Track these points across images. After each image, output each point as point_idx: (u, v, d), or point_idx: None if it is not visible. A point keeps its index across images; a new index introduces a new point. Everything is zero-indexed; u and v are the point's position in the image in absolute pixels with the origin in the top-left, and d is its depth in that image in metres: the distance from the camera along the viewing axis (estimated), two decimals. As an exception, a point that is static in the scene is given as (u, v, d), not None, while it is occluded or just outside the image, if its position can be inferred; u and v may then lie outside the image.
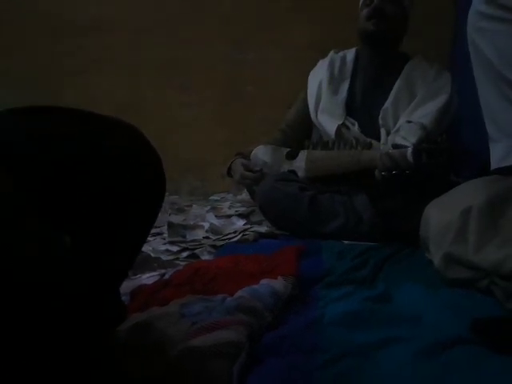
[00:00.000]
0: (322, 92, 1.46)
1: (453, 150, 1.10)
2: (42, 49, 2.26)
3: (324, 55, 1.61)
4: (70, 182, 0.52)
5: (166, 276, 0.93)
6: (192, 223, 1.53)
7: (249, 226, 1.44)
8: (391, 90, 1.39)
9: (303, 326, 0.68)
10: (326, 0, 2.14)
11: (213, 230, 1.48)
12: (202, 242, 1.32)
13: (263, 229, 1.40)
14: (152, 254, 1.29)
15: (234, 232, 1.40)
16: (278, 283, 0.76)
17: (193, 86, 2.25)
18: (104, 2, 2.24)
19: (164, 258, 1.25)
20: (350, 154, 1.29)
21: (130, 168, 0.56)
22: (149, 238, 1.46)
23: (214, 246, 1.29)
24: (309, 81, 1.54)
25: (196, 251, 1.26)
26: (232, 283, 0.79)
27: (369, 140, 1.33)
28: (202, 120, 2.24)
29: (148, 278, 0.92)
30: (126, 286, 0.86)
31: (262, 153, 1.51)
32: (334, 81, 1.46)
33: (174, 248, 1.30)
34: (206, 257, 1.23)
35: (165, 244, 1.35)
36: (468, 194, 0.93)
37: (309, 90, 1.52)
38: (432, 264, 0.96)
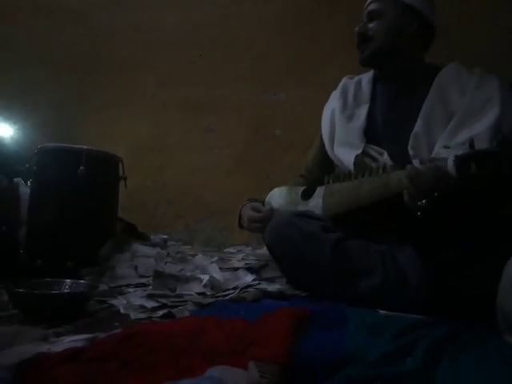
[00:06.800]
0: (336, 121, 1.17)
1: None
2: (68, 84, 2.19)
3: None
4: None
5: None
6: (189, 275, 1.21)
7: (256, 283, 1.10)
8: (421, 109, 1.05)
9: None
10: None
11: (212, 284, 1.15)
12: (188, 298, 0.99)
13: (273, 287, 1.05)
14: (122, 310, 0.97)
15: (234, 288, 1.06)
16: (240, 375, 0.41)
17: (219, 128, 2.04)
18: (131, 40, 2.15)
19: (134, 315, 0.94)
20: (375, 180, 0.93)
21: None
22: (129, 290, 1.16)
23: (200, 305, 0.95)
24: (323, 115, 1.25)
25: (174, 310, 0.92)
26: (173, 368, 0.46)
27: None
28: (226, 163, 1.98)
29: (70, 342, 0.61)
30: (15, 354, 0.55)
31: (277, 195, 1.20)
32: (347, 107, 1.17)
33: (150, 304, 0.98)
34: (185, 319, 0.89)
35: (142, 298, 1.03)
36: None
37: (322, 123, 1.23)
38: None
